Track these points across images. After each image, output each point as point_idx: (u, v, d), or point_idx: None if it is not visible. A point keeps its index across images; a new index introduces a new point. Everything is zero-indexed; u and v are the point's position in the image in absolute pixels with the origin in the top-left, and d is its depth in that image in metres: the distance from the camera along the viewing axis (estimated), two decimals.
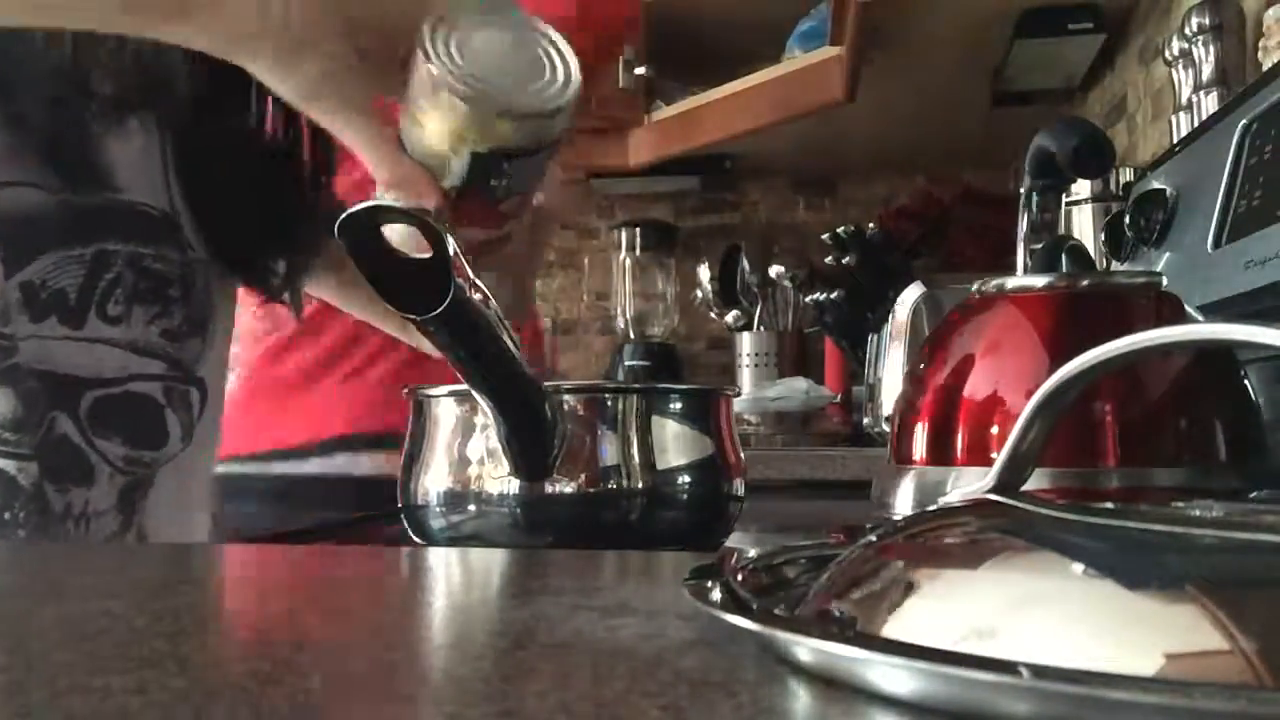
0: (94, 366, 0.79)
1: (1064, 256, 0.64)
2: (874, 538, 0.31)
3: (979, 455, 0.56)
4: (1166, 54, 1.25)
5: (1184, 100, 1.19)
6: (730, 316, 2.46)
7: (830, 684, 0.23)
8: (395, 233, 0.52)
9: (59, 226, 0.76)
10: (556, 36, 0.57)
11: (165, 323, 0.83)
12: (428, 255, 0.45)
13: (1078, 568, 0.26)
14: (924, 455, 0.59)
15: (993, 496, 0.33)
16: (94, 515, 0.79)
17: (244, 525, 1.19)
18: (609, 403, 0.58)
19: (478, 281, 0.48)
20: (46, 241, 0.76)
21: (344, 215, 0.44)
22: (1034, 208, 0.72)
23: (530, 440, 0.55)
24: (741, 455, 0.63)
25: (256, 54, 0.55)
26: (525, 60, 0.56)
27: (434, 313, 0.46)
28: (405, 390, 0.63)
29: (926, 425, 0.60)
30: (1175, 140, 1.13)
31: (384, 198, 0.55)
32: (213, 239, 0.86)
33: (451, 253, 0.45)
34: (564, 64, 0.57)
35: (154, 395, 0.84)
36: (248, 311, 1.04)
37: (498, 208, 0.58)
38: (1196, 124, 1.07)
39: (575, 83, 0.56)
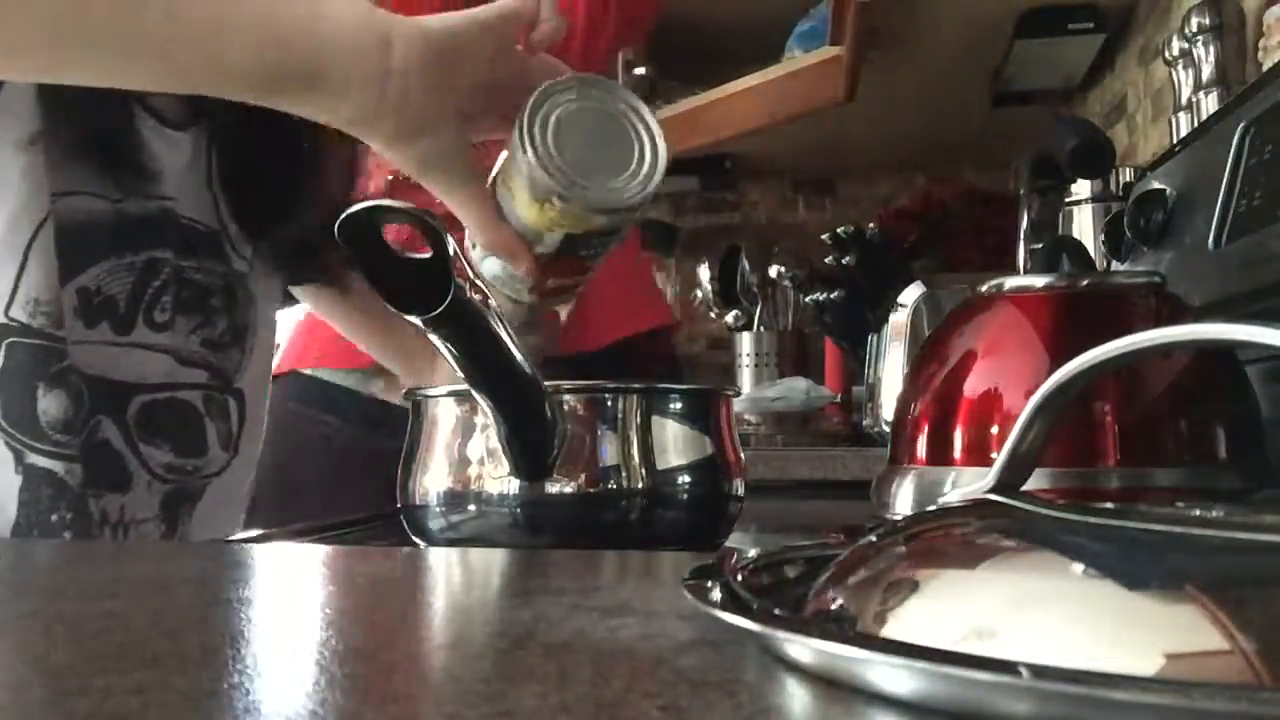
0: (140, 372, 0.81)
1: (1064, 256, 0.64)
2: (874, 538, 0.31)
3: (979, 455, 0.56)
4: (1166, 54, 1.25)
5: (1184, 100, 1.19)
6: (730, 316, 2.46)
7: (830, 684, 0.23)
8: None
9: (114, 234, 0.78)
10: (645, 109, 0.61)
11: (207, 332, 0.85)
12: (428, 255, 0.45)
13: (1078, 568, 0.26)
14: (924, 455, 0.59)
15: (993, 496, 0.33)
16: (133, 523, 0.80)
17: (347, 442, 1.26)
18: (609, 403, 0.58)
19: (478, 281, 0.48)
20: (102, 249, 0.78)
21: (344, 215, 0.44)
22: (1034, 208, 0.72)
23: (531, 440, 0.55)
24: (741, 455, 0.63)
25: (375, 131, 0.59)
26: (618, 147, 0.60)
27: (434, 312, 0.46)
28: (404, 391, 0.63)
29: (926, 425, 0.60)
30: (1175, 140, 1.13)
31: (484, 259, 0.61)
32: (256, 249, 0.89)
33: (451, 252, 0.45)
34: (652, 144, 0.61)
35: (195, 403, 0.85)
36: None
37: (584, 266, 0.63)
38: (1196, 124, 1.07)
39: (664, 163, 0.61)
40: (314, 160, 0.89)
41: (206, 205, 0.86)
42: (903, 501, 0.59)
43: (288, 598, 0.41)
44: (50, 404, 0.75)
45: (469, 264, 0.53)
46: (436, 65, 0.58)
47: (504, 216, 0.61)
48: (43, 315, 0.75)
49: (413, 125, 0.58)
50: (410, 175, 0.60)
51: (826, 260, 1.89)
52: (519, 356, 0.52)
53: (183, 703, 0.23)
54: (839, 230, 1.85)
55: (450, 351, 0.50)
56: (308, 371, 1.37)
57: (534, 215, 0.59)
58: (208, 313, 0.86)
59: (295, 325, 1.44)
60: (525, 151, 0.57)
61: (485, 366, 0.52)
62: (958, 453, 0.57)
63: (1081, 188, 1.21)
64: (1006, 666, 0.20)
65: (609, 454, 0.57)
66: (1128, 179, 1.19)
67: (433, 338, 0.49)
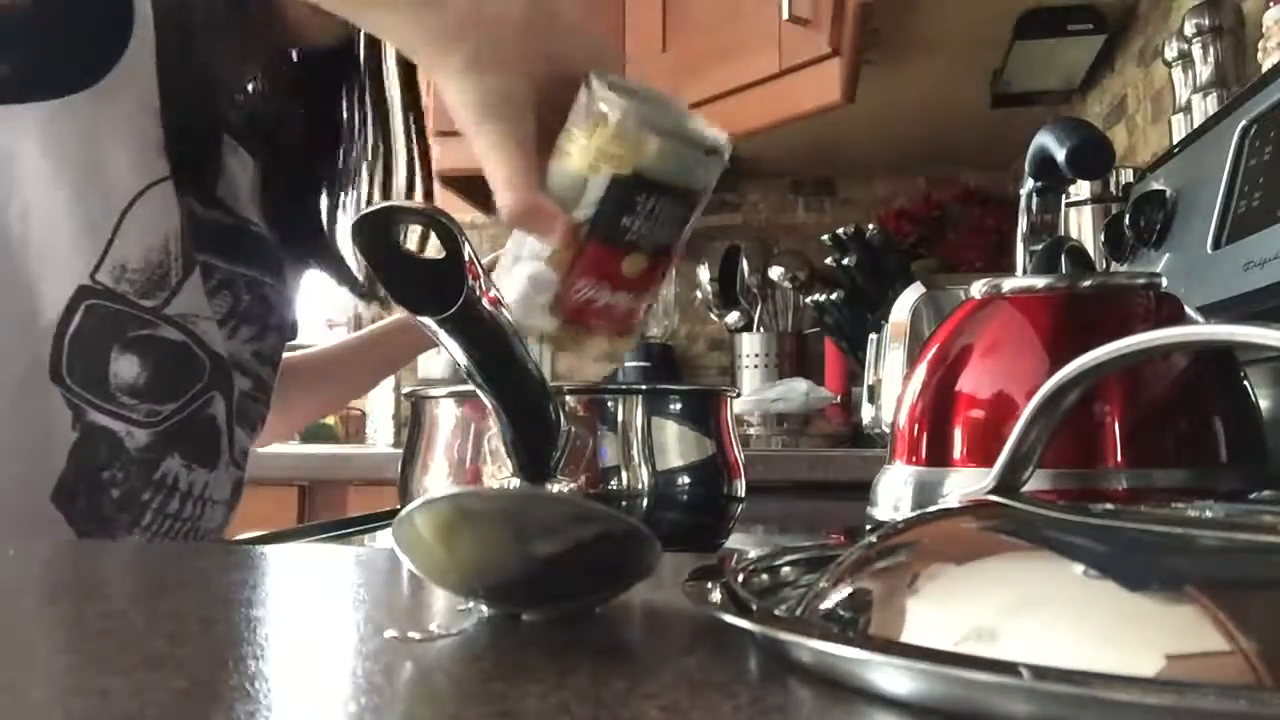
0: (237, 360, 0.84)
1: (1064, 257, 0.64)
2: (874, 538, 0.31)
3: (979, 455, 0.56)
4: (1166, 55, 1.25)
5: (1183, 101, 1.19)
6: (730, 317, 2.46)
7: (830, 684, 0.23)
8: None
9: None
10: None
11: (258, 345, 0.89)
12: (442, 256, 0.45)
13: (1078, 569, 0.26)
14: (924, 455, 0.59)
15: (993, 497, 0.33)
16: (210, 501, 0.83)
17: None
18: (610, 404, 0.58)
19: (491, 283, 0.48)
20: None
21: (358, 216, 0.44)
22: (1034, 208, 0.72)
23: (537, 443, 0.55)
24: (741, 456, 0.63)
25: (449, 53, 0.54)
26: (682, 110, 0.56)
27: (447, 314, 0.46)
28: (405, 392, 0.63)
29: (926, 426, 0.59)
30: (1175, 141, 1.13)
31: (512, 265, 0.54)
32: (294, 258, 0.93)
33: (466, 254, 0.45)
34: (715, 134, 0.58)
35: (260, 402, 0.90)
36: None
37: (620, 263, 0.54)
38: (1196, 125, 1.07)
39: (726, 146, 0.57)
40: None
41: (257, 216, 0.88)
42: (903, 502, 0.59)
43: (288, 598, 0.41)
44: (123, 367, 0.76)
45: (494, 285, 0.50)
46: (538, 3, 0.54)
47: (544, 189, 0.54)
48: (128, 282, 0.75)
49: (491, 56, 0.53)
50: (462, 118, 0.55)
51: (826, 261, 1.90)
52: (528, 359, 0.52)
53: (183, 703, 0.23)
54: (839, 231, 1.85)
55: (461, 353, 0.50)
56: None
57: (579, 152, 0.52)
58: (262, 327, 0.89)
59: None
60: (587, 87, 0.52)
61: (495, 368, 0.52)
62: (958, 453, 0.57)
63: (1081, 188, 1.21)
64: (1006, 667, 0.20)
65: (610, 455, 0.57)
66: (1128, 179, 1.19)
67: (443, 339, 0.49)
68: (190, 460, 0.80)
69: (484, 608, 0.32)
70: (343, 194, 0.96)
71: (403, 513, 0.30)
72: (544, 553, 0.30)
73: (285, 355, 1.09)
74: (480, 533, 0.31)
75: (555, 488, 0.56)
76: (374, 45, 0.94)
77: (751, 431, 1.96)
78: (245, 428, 0.88)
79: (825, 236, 1.87)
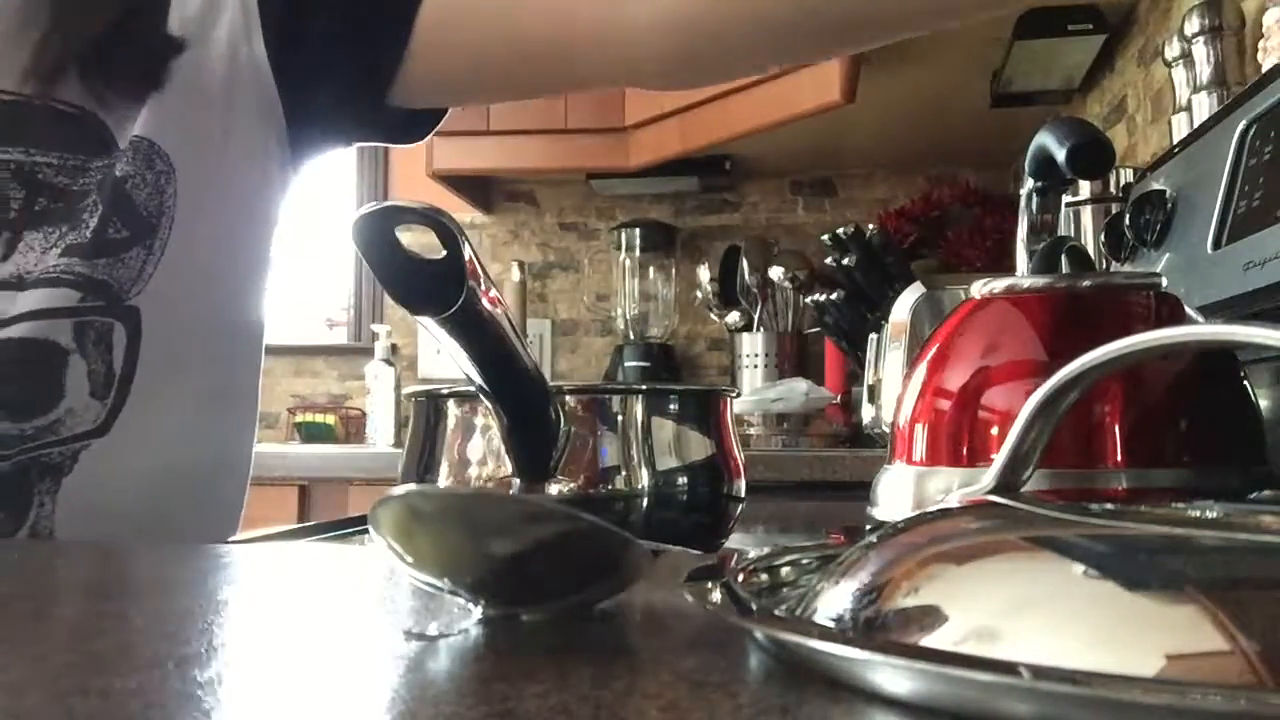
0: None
1: (1064, 257, 0.64)
2: (874, 538, 0.31)
3: (979, 455, 0.56)
4: (1166, 55, 1.25)
5: (1183, 101, 1.19)
6: (730, 317, 2.46)
7: (830, 684, 0.23)
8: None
9: None
10: None
11: (73, 237, 0.65)
12: (441, 256, 0.45)
13: (1078, 569, 0.26)
14: (924, 455, 0.59)
15: (992, 497, 0.33)
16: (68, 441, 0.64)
17: None
18: (610, 404, 0.58)
19: (491, 283, 0.48)
20: None
21: (358, 215, 0.44)
22: (1034, 208, 0.72)
23: (536, 443, 0.55)
24: (741, 456, 0.63)
25: None
26: None
27: (447, 313, 0.46)
28: (406, 392, 0.63)
29: (926, 425, 0.59)
30: (1175, 141, 1.13)
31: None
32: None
33: (466, 254, 0.45)
34: None
35: (56, 340, 0.64)
36: None
37: None
38: (1196, 125, 1.07)
39: None
40: None
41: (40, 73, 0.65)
42: (903, 502, 0.59)
43: (288, 598, 0.41)
44: None
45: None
46: None
47: None
48: None
49: None
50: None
51: (826, 261, 1.90)
52: (527, 359, 0.52)
53: (183, 703, 0.23)
54: (839, 231, 1.85)
55: (460, 352, 0.50)
56: None
57: None
58: (73, 220, 0.65)
59: None
60: None
61: (494, 368, 0.52)
62: (958, 453, 0.57)
63: (1081, 188, 1.21)
64: (1007, 667, 0.20)
65: (609, 455, 0.57)
66: (1128, 180, 1.19)
67: (443, 338, 0.49)
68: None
69: (480, 607, 0.32)
70: None
71: (370, 510, 0.30)
72: (503, 552, 0.30)
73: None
74: (433, 532, 0.31)
75: (555, 488, 0.56)
76: None
77: (751, 431, 1.96)
78: (93, 358, 0.64)
79: (825, 236, 1.87)
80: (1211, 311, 0.77)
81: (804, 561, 0.36)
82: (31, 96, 0.66)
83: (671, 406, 0.59)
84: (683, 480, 0.59)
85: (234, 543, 0.70)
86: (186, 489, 0.71)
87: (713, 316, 2.58)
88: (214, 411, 0.72)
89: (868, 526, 0.62)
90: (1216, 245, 0.82)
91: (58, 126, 0.66)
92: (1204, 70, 1.13)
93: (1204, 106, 1.12)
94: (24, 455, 0.63)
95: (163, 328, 0.67)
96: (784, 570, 0.35)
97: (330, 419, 2.75)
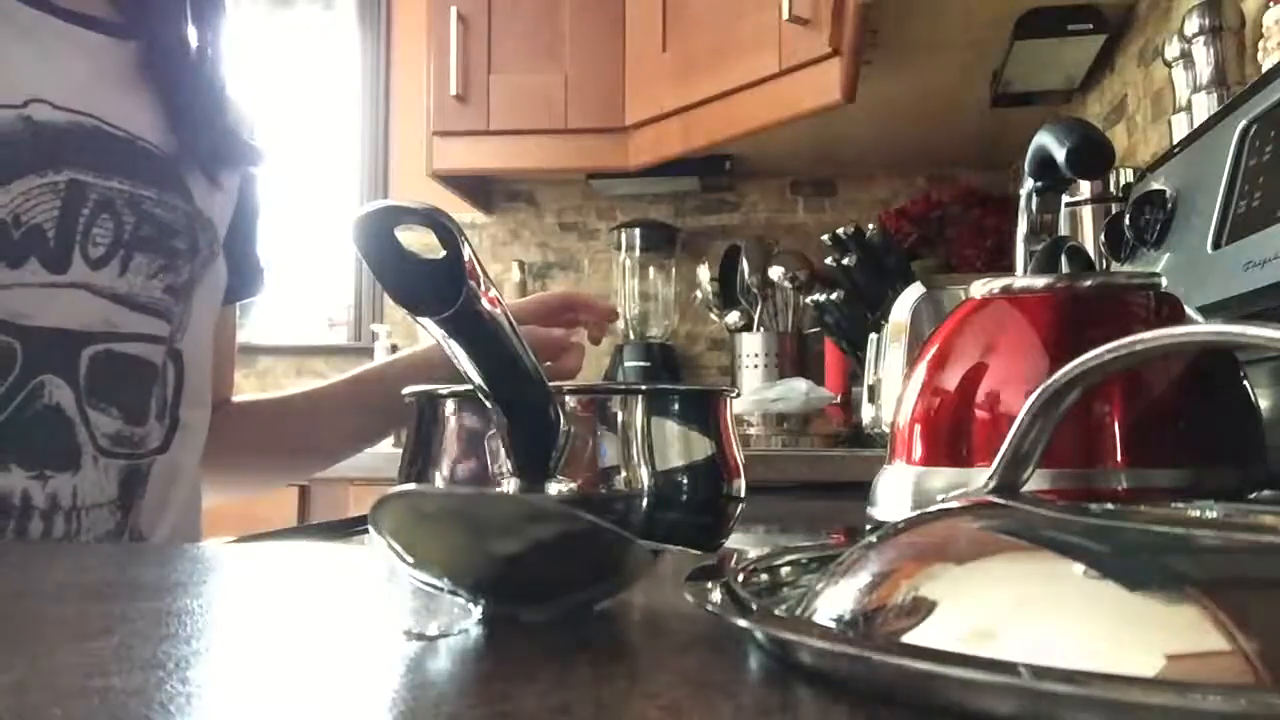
0: (83, 319, 0.69)
1: (1064, 257, 0.64)
2: (874, 538, 0.31)
3: (979, 455, 0.56)
4: (1166, 55, 1.25)
5: (1183, 101, 1.19)
6: (730, 317, 2.46)
7: (830, 684, 0.23)
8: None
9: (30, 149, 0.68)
10: None
11: (171, 278, 0.74)
12: (441, 256, 0.45)
13: (1078, 568, 0.26)
14: (924, 455, 0.59)
15: (992, 497, 0.33)
16: (86, 510, 0.68)
17: None
18: (610, 404, 0.58)
19: (491, 283, 0.48)
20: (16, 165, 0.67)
21: (357, 216, 0.44)
22: (1034, 208, 0.72)
23: (536, 443, 0.55)
24: (741, 456, 0.63)
25: None
26: None
27: (446, 314, 0.46)
28: (406, 392, 0.63)
29: (926, 425, 0.59)
30: (1175, 141, 1.13)
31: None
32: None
33: (466, 254, 0.45)
34: None
35: (154, 360, 0.73)
36: None
37: None
38: (1196, 125, 1.07)
39: None
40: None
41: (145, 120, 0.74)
42: (902, 502, 0.59)
43: (288, 598, 0.41)
44: None
45: None
46: None
47: None
48: None
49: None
50: None
51: (826, 261, 1.90)
52: (527, 359, 0.52)
53: (183, 703, 0.23)
54: (839, 231, 1.85)
55: (460, 353, 0.50)
56: None
57: None
58: (169, 255, 0.73)
59: None
60: None
61: (494, 368, 0.52)
62: (958, 453, 0.57)
63: (1081, 188, 1.21)
64: (1007, 667, 0.20)
65: (609, 455, 0.57)
66: (1128, 179, 1.19)
67: (443, 339, 0.49)
68: (39, 468, 0.65)
69: (480, 607, 0.32)
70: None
71: (370, 509, 0.30)
72: (503, 552, 0.30)
73: (240, 398, 0.93)
74: (433, 532, 0.31)
75: (555, 488, 0.56)
76: None
77: (751, 431, 1.96)
78: (111, 405, 0.70)
79: (825, 236, 1.87)
80: (1211, 311, 0.77)
81: (804, 561, 0.36)
82: (134, 136, 0.74)
83: (671, 406, 0.59)
84: (683, 480, 0.59)
85: (234, 542, 0.70)
86: (194, 516, 0.81)
87: (713, 316, 2.58)
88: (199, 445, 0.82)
89: (868, 526, 0.62)
90: (1216, 245, 0.82)
91: (150, 164, 0.75)
92: (1204, 70, 1.13)
93: (1204, 106, 1.12)
94: (134, 458, 0.72)
95: (191, 371, 0.78)
96: (784, 570, 0.35)
97: None
